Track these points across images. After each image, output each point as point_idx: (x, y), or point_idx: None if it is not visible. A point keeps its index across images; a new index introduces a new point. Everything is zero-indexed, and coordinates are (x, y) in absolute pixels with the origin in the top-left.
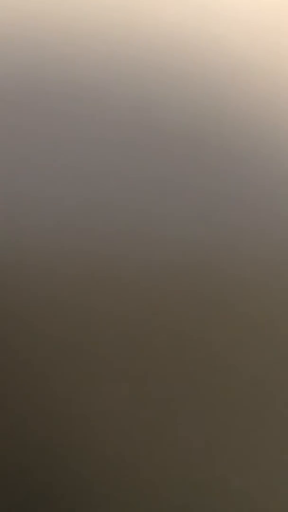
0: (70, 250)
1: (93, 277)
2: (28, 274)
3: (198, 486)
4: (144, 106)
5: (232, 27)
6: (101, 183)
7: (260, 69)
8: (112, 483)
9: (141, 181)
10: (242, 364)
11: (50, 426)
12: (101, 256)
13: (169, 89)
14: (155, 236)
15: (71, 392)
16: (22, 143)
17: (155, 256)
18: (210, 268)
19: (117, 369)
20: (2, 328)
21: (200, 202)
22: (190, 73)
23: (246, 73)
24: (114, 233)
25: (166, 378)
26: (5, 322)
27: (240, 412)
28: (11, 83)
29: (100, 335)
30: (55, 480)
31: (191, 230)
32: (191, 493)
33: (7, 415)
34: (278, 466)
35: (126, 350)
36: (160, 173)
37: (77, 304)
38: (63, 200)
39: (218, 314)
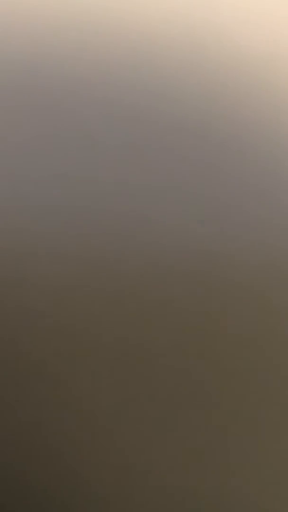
0: (70, 254)
1: (92, 281)
2: (27, 276)
3: (198, 490)
4: (143, 103)
5: (232, 19)
6: (100, 187)
7: (261, 62)
8: (111, 487)
9: (141, 184)
10: (242, 370)
11: (49, 429)
12: (101, 260)
13: (168, 86)
14: (154, 241)
15: (71, 394)
16: (22, 143)
17: (154, 261)
18: (210, 272)
19: (116, 373)
20: (1, 329)
21: (200, 205)
22: (190, 70)
23: (247, 65)
24: (114, 236)
25: (166, 383)
26: (4, 323)
27: (239, 417)
28: (10, 81)
29: (99, 339)
30: (55, 481)
31: (191, 235)
32: (191, 498)
33: (5, 418)
34: (279, 470)
35: (125, 354)
36: (159, 176)
37: (77, 309)
38: (62, 203)
39: (218, 317)
